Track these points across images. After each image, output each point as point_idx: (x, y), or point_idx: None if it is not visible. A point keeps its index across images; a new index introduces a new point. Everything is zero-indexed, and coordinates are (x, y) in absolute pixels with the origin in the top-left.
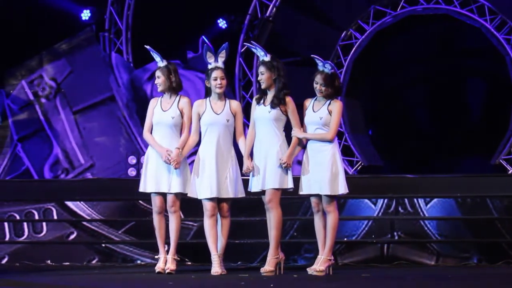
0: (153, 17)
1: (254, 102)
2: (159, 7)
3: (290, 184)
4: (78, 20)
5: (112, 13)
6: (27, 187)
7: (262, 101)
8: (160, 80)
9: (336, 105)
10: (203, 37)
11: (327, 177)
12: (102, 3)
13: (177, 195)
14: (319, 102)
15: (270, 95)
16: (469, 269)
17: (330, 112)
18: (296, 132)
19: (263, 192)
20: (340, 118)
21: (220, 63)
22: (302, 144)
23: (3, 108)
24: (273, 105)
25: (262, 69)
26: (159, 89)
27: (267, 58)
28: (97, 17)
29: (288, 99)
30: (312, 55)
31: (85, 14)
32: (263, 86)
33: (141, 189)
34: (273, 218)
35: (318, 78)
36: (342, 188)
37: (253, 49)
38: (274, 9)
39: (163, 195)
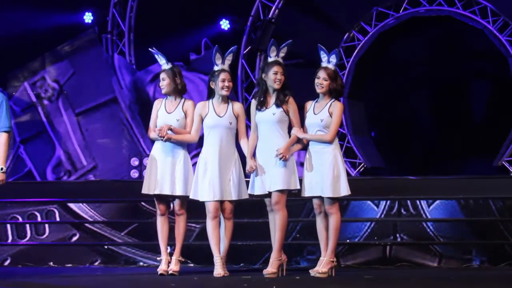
0: (156, 18)
1: (253, 105)
2: (161, 9)
3: (296, 185)
4: (81, 22)
5: (115, 14)
6: (30, 188)
7: (264, 105)
8: (165, 82)
9: (337, 107)
10: (206, 39)
11: (329, 179)
12: (104, 4)
13: (183, 198)
14: (320, 104)
15: (272, 97)
16: (472, 270)
17: (331, 114)
18: (296, 131)
19: (267, 194)
20: (340, 120)
21: (226, 66)
22: (303, 143)
23: None
24: (277, 106)
25: (281, 69)
26: (163, 91)
27: (281, 60)
28: (99, 19)
29: (291, 99)
30: (318, 45)
31: (88, 16)
32: (278, 87)
33: (144, 191)
34: (278, 220)
35: (321, 73)
36: (344, 190)
37: (273, 46)
38: (277, 10)
39: (167, 197)
